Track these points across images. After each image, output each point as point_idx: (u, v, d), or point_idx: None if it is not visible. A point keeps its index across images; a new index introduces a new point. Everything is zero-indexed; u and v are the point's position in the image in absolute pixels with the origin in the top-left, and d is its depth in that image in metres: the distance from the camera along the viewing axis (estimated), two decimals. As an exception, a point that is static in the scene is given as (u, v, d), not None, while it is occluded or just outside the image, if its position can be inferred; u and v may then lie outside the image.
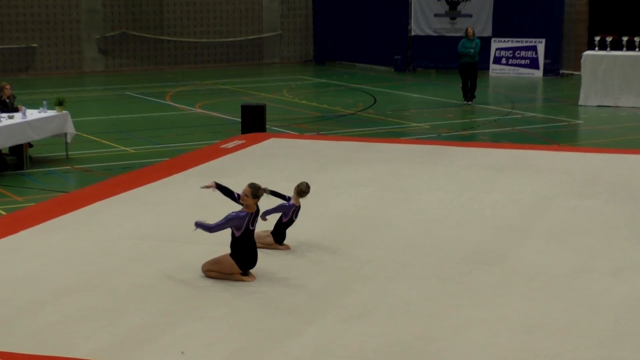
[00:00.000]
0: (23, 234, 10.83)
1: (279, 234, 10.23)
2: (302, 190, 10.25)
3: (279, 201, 10.34)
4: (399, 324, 8.06)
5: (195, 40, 32.14)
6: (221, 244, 9.59)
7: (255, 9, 32.92)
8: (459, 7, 30.20)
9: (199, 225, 9.16)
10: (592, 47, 23.54)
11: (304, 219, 10.88)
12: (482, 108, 22.49)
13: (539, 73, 28.71)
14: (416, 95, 25.20)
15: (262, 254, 9.49)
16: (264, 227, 10.26)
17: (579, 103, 22.47)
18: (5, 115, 15.27)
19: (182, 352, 7.47)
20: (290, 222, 10.28)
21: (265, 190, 9.35)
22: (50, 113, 15.97)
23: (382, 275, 9.37)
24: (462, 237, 10.70)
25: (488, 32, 29.39)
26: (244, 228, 9.04)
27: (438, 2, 30.34)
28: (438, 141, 17.52)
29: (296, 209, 10.27)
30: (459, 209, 11.97)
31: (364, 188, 13.11)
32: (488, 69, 28.93)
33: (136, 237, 10.72)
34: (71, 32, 30.56)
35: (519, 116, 21.11)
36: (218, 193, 9.61)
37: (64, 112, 16.13)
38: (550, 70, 28.71)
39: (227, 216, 9.07)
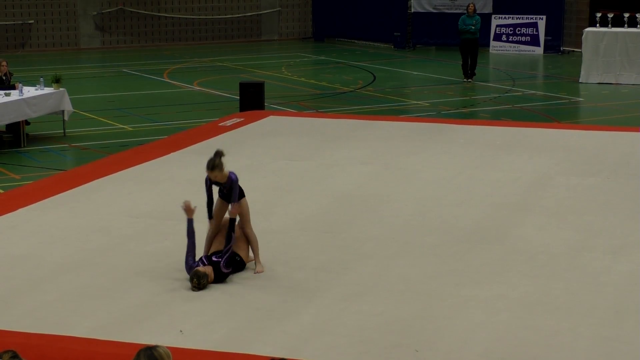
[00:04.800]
0: (20, 212, 10.83)
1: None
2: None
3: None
4: (398, 303, 8.08)
5: (193, 16, 32.01)
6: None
7: (253, -15, 32.79)
8: (459, -16, 30.07)
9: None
10: (593, 24, 23.45)
11: (303, 197, 10.87)
12: (482, 85, 22.45)
13: (539, 50, 28.62)
14: (416, 73, 25.14)
15: (260, 234, 9.45)
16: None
17: (580, 80, 22.42)
18: (1, 92, 15.25)
19: (181, 331, 7.49)
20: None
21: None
22: (47, 90, 15.94)
23: (381, 254, 9.39)
24: (461, 215, 10.70)
25: (489, 9, 29.27)
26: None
27: (438, -22, 30.21)
28: (438, 119, 17.48)
29: None
30: (458, 187, 11.96)
31: (363, 166, 13.10)
32: (488, 46, 28.84)
33: (133, 215, 10.72)
34: (67, 8, 30.44)
35: (520, 93, 21.08)
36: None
37: (61, 89, 16.11)
38: (551, 47, 28.62)
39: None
